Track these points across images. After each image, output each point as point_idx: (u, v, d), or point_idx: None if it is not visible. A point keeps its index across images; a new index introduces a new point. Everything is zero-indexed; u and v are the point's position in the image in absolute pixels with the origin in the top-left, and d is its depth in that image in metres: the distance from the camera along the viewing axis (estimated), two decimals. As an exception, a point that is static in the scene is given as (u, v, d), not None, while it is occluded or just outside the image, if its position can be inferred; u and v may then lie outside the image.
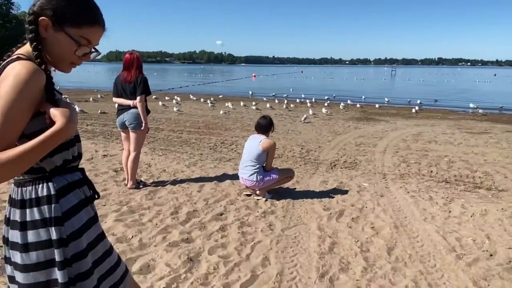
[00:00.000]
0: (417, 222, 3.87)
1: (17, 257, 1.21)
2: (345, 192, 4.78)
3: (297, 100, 17.51)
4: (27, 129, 1.14)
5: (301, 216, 4.00)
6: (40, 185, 1.22)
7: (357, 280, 2.79)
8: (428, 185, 5.14)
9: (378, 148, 7.59)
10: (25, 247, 1.20)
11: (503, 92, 30.36)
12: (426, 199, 4.57)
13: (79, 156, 1.36)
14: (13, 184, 1.25)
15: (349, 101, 17.06)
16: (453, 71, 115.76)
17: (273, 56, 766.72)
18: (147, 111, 4.62)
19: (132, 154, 4.65)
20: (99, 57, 1.38)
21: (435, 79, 55.32)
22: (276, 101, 17.25)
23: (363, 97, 20.38)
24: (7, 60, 1.19)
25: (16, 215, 1.22)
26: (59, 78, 1.27)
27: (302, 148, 7.40)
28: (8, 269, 1.26)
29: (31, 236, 1.20)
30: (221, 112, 12.64)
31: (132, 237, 3.37)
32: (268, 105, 15.16)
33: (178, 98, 16.62)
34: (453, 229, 3.72)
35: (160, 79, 43.65)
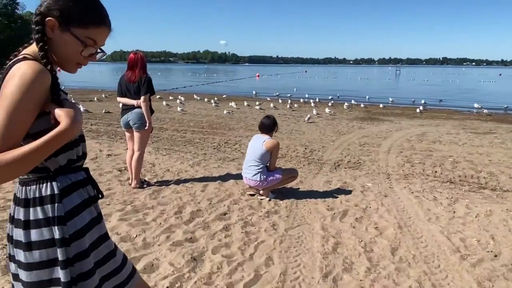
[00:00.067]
0: (421, 222, 3.86)
1: (20, 255, 1.22)
2: (349, 192, 4.77)
3: (301, 100, 17.51)
4: (32, 129, 1.15)
5: (305, 216, 4.00)
6: (44, 185, 1.23)
7: (360, 280, 2.78)
8: (432, 186, 5.12)
9: (382, 148, 7.57)
10: (28, 246, 1.21)
11: (508, 92, 30.19)
12: (431, 199, 4.55)
13: (84, 155, 1.37)
14: (18, 183, 1.26)
15: (353, 101, 17.01)
16: (458, 71, 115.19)
17: (277, 56, 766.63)
18: (151, 111, 4.64)
19: (136, 154, 4.67)
20: (104, 57, 1.38)
21: (440, 79, 55.07)
22: (280, 101, 17.25)
23: (367, 97, 20.33)
24: (13, 60, 1.19)
25: (20, 213, 1.22)
26: (64, 78, 1.28)
27: (305, 148, 7.39)
28: (12, 266, 1.28)
29: (34, 235, 1.21)
30: (225, 112, 12.66)
31: (136, 236, 3.38)
32: (271, 105, 15.16)
33: (182, 98, 16.66)
34: (457, 229, 3.70)
35: (164, 79, 43.74)
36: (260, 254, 3.13)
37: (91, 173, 1.42)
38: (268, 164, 4.52)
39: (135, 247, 3.17)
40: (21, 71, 1.11)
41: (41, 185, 1.22)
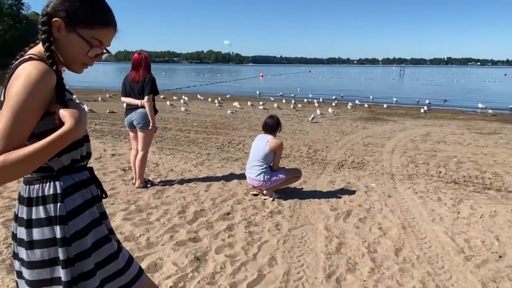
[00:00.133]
0: (425, 223, 3.84)
1: (23, 253, 1.23)
2: (353, 192, 4.76)
3: (305, 100, 17.47)
4: (37, 129, 1.16)
5: (308, 216, 3.99)
6: (47, 184, 1.23)
7: (364, 280, 2.78)
8: (436, 186, 5.10)
9: (386, 148, 7.55)
10: (30, 244, 1.22)
11: (513, 92, 30.00)
12: (435, 200, 4.53)
13: (88, 155, 1.37)
14: (22, 182, 1.27)
15: (357, 101, 16.96)
16: (463, 71, 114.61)
17: (281, 56, 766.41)
18: (155, 111, 4.65)
19: (140, 153, 4.68)
20: (108, 57, 1.39)
21: (444, 79, 54.82)
22: (284, 101, 17.23)
23: (371, 97, 20.26)
24: (19, 60, 1.20)
25: (23, 212, 1.23)
26: (69, 77, 1.29)
27: (309, 148, 7.38)
28: (17, 264, 1.29)
29: (36, 233, 1.22)
30: (229, 111, 12.67)
31: (140, 235, 3.39)
32: (275, 104, 15.16)
33: (186, 98, 16.69)
34: (461, 230, 3.69)
35: (168, 79, 43.83)
36: (263, 254, 3.13)
37: (95, 172, 1.43)
38: (271, 164, 4.52)
39: (139, 247, 3.18)
40: (26, 71, 1.12)
41: (44, 184, 1.23)
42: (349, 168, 6.01)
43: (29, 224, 1.22)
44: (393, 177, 5.48)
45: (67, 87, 1.27)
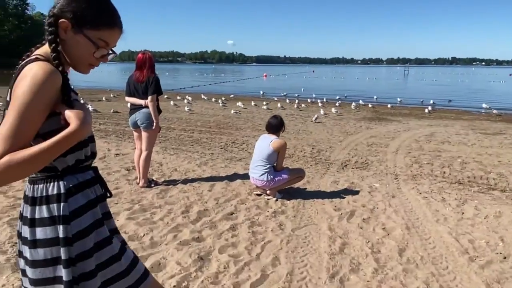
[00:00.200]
0: (429, 223, 3.83)
1: (27, 252, 1.24)
2: (356, 192, 4.75)
3: (308, 100, 17.46)
4: (42, 129, 1.16)
5: (312, 216, 3.99)
6: (51, 184, 1.24)
7: (367, 281, 2.77)
8: (440, 186, 5.08)
9: (390, 148, 7.53)
10: (33, 243, 1.23)
11: (518, 92, 29.81)
12: (439, 200, 4.52)
13: (92, 155, 1.38)
14: (27, 181, 1.28)
15: (361, 101, 16.93)
16: (467, 71, 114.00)
17: (284, 56, 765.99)
18: (158, 111, 4.67)
19: (144, 153, 4.70)
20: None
21: (449, 79, 54.56)
22: (287, 100, 17.23)
23: (375, 97, 20.20)
24: (25, 60, 1.21)
25: (27, 211, 1.24)
26: (73, 77, 1.30)
27: (313, 148, 7.37)
28: (22, 262, 1.30)
29: (39, 233, 1.22)
30: (232, 111, 12.68)
31: (144, 235, 3.41)
32: (279, 104, 15.15)
33: (190, 98, 16.71)
34: (466, 231, 3.67)
35: (172, 79, 43.92)
36: (266, 254, 3.13)
37: (99, 172, 1.44)
38: (275, 164, 4.52)
39: (143, 246, 3.19)
40: (32, 71, 1.13)
41: (48, 184, 1.24)
42: (352, 168, 6.00)
43: (32, 223, 1.23)
44: (397, 178, 5.47)
45: (72, 87, 1.28)
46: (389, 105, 16.07)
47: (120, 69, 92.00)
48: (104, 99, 16.81)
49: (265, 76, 53.12)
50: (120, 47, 1.38)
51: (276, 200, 4.42)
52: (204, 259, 3.02)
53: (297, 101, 16.48)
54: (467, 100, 20.84)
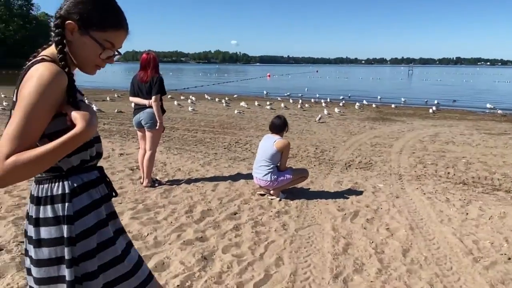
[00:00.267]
0: (433, 224, 3.82)
1: (32, 251, 1.25)
2: (360, 193, 4.75)
3: (312, 100, 17.44)
4: (48, 129, 1.17)
5: (315, 216, 3.99)
6: (56, 184, 1.25)
7: (371, 281, 2.77)
8: (445, 187, 5.06)
9: (394, 148, 7.51)
10: (38, 243, 1.24)
11: (524, 92, 29.63)
12: (443, 201, 4.50)
13: (98, 155, 1.39)
14: (33, 181, 1.29)
15: (364, 101, 16.88)
16: (472, 71, 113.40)
17: (288, 56, 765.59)
18: (162, 111, 4.68)
19: (148, 153, 4.71)
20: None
21: (453, 79, 54.31)
22: (291, 100, 17.21)
23: (379, 97, 20.14)
24: (32, 61, 1.22)
25: (32, 211, 1.25)
26: (78, 78, 1.31)
27: (316, 148, 7.37)
28: (27, 261, 1.30)
29: (44, 232, 1.23)
30: (236, 111, 12.69)
31: (148, 234, 3.42)
32: (282, 104, 15.14)
33: (193, 98, 16.75)
34: (470, 231, 3.66)
35: (176, 79, 43.99)
36: (270, 254, 3.14)
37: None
38: (278, 164, 4.52)
39: (146, 246, 3.20)
40: (38, 72, 1.14)
41: (53, 184, 1.25)
42: (356, 168, 5.99)
43: (37, 222, 1.24)
44: (401, 178, 5.45)
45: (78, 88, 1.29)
46: (393, 105, 16.01)
47: (124, 69, 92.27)
48: (108, 99, 16.88)
49: (269, 76, 53.09)
50: (124, 47, 1.38)
51: (280, 200, 4.42)
52: (208, 259, 3.02)
53: (300, 101, 16.47)
54: (471, 100, 20.74)
